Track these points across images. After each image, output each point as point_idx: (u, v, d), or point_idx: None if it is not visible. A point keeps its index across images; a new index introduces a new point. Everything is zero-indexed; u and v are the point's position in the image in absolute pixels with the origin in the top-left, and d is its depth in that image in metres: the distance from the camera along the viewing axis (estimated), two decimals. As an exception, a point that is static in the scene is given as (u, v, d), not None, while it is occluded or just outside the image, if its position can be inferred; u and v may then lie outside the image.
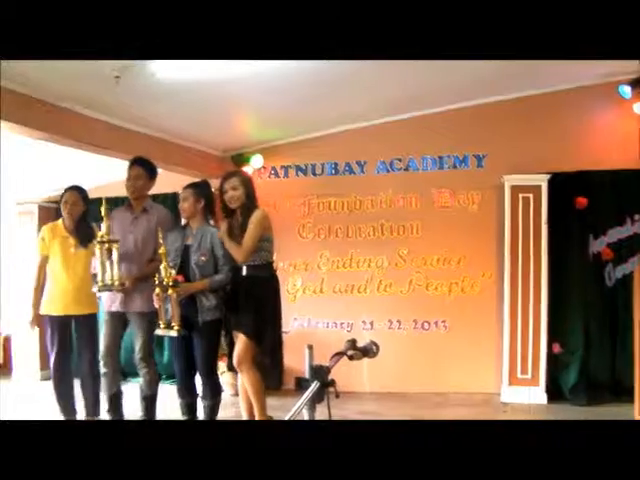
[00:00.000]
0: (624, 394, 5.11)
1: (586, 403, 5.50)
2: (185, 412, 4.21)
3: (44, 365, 6.52)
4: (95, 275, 4.11)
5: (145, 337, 4.27)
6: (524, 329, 5.70)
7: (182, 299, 3.97)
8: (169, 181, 5.63)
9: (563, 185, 5.73)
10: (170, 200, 5.94)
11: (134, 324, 4.29)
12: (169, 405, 4.59)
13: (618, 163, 5.62)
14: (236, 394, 5.09)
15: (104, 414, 4.43)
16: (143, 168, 4.34)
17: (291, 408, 1.90)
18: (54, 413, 4.55)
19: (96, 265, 4.09)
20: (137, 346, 4.29)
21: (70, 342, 4.64)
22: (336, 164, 6.54)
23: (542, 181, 5.72)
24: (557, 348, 5.68)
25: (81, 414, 4.60)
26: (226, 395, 5.10)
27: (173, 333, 3.95)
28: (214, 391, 4.16)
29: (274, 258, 4.22)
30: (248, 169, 6.37)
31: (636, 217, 5.66)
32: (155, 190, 4.58)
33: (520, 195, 5.76)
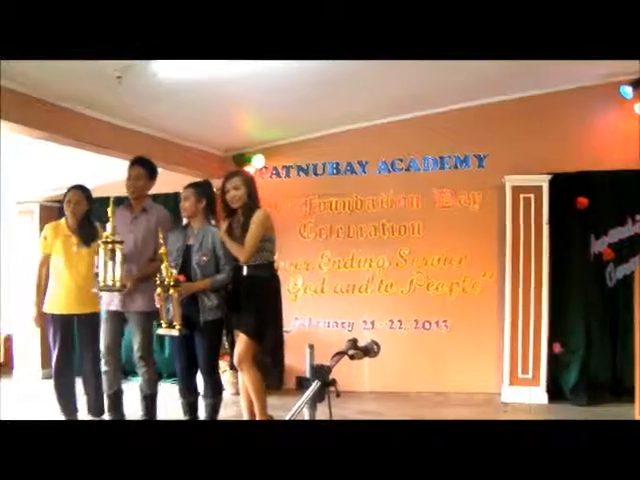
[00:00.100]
0: (625, 394, 5.11)
1: (586, 403, 5.50)
2: (186, 411, 4.24)
3: (45, 364, 6.52)
4: (97, 274, 4.11)
5: (144, 336, 4.27)
6: (525, 329, 5.70)
7: (183, 299, 3.98)
8: (170, 181, 5.63)
9: (564, 185, 5.72)
10: (171, 200, 5.92)
11: (133, 323, 4.29)
12: (170, 404, 4.59)
13: (619, 163, 5.61)
14: (237, 393, 5.10)
15: (106, 412, 4.44)
16: (143, 168, 4.34)
17: (292, 407, 1.90)
18: (55, 412, 4.56)
19: (99, 264, 4.10)
20: (136, 345, 4.30)
21: (72, 341, 4.65)
22: (337, 164, 6.54)
23: (543, 181, 5.71)
24: (558, 348, 5.68)
25: (82, 412, 4.61)
26: (227, 394, 5.11)
27: (175, 332, 3.98)
28: (215, 390, 4.18)
29: (275, 258, 4.22)
30: (249, 169, 6.35)
31: (637, 217, 5.66)
32: (156, 190, 4.58)
33: (521, 195, 5.76)
